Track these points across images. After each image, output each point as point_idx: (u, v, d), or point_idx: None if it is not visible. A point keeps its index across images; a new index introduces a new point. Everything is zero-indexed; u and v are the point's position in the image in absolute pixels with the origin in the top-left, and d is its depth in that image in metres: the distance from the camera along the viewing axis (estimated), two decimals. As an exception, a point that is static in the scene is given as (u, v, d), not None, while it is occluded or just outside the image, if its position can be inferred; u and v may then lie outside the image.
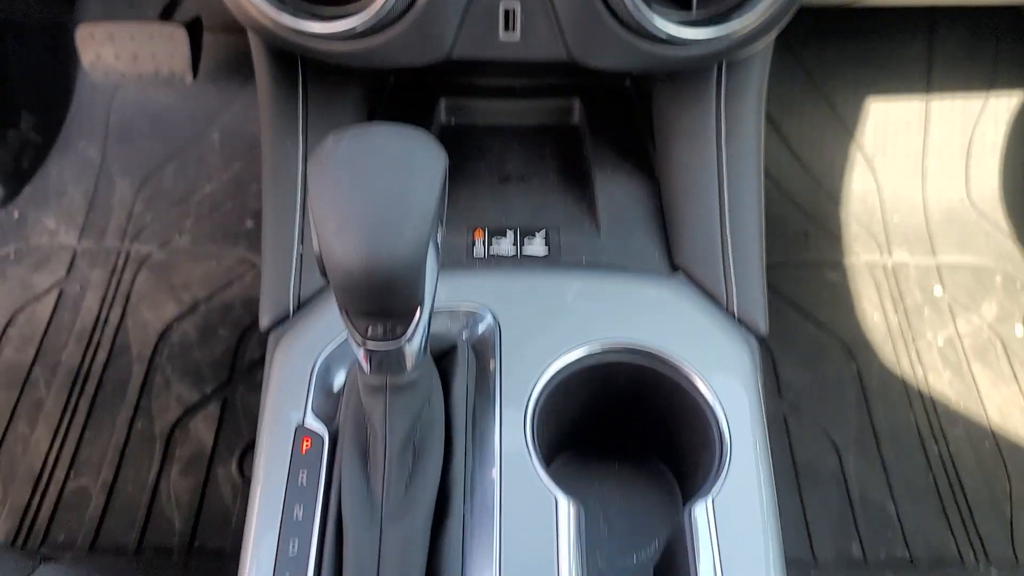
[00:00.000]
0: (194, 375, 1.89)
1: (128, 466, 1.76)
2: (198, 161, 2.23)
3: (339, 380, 1.02)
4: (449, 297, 1.06)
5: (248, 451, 1.78)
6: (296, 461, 0.94)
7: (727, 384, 1.01)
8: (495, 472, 0.93)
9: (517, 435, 0.96)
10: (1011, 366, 1.93)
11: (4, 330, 1.96)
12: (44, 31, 2.24)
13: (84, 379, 1.88)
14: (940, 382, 1.91)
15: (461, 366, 0.98)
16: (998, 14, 2.18)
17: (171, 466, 1.76)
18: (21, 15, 2.19)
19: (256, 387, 1.87)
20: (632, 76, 1.54)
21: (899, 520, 1.72)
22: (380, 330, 0.74)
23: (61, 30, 2.22)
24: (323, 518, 0.90)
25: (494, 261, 1.18)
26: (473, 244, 1.21)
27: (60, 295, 2.02)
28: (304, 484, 0.92)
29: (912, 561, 1.66)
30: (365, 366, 0.81)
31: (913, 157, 2.21)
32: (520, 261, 1.18)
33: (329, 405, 1.00)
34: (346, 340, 1.03)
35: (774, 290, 2.03)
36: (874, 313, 2.02)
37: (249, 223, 2.14)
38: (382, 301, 0.70)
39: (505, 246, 1.20)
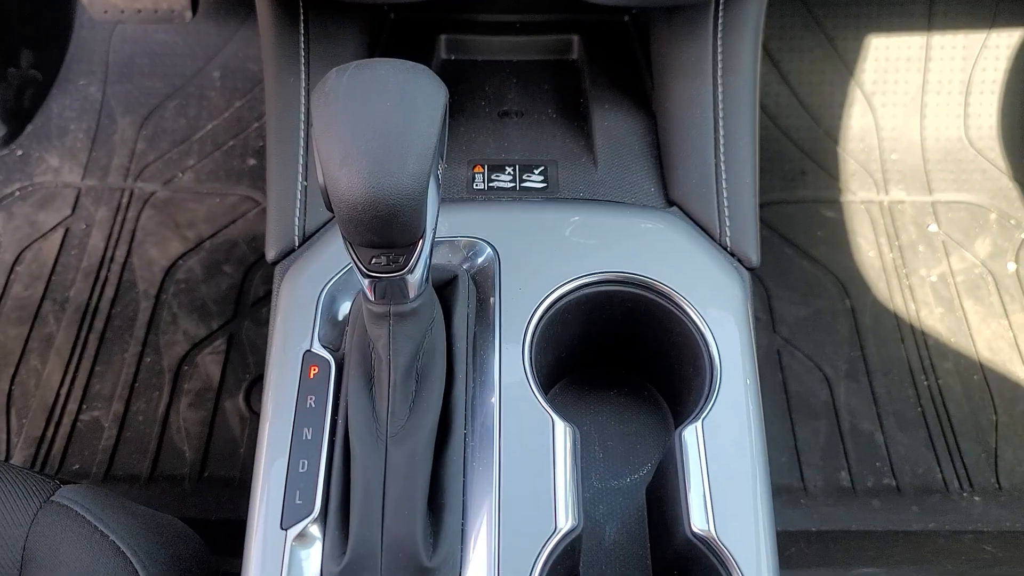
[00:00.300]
0: (200, 311, 1.93)
1: (138, 399, 1.81)
2: (199, 99, 2.23)
3: (344, 309, 1.05)
4: (450, 229, 1.09)
5: (255, 385, 1.83)
6: (304, 386, 0.98)
7: (718, 313, 1.04)
8: (494, 398, 0.97)
9: (516, 362, 1.00)
10: (1001, 302, 1.97)
11: (12, 267, 1.99)
12: (41, -33, 2.23)
13: (93, 315, 1.92)
14: (932, 317, 1.95)
15: (462, 295, 1.01)
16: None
17: (180, 399, 1.81)
18: (18, -49, 2.17)
19: (261, 323, 1.91)
20: (631, 12, 1.54)
21: (887, 450, 1.77)
22: (384, 260, 0.77)
23: (58, -34, 2.22)
24: (331, 439, 0.94)
25: (494, 194, 1.21)
26: (473, 179, 1.23)
27: (66, 233, 2.05)
28: (312, 407, 0.96)
29: (899, 489, 1.72)
30: (370, 295, 0.84)
31: (912, 94, 2.21)
32: (519, 195, 1.21)
33: (335, 334, 1.03)
34: (350, 271, 1.06)
35: (771, 227, 2.06)
36: (869, 250, 2.05)
37: (251, 161, 2.15)
38: (385, 232, 0.73)
39: (504, 181, 1.23)
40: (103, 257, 2.00)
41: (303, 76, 1.24)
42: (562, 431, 0.95)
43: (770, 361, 1.87)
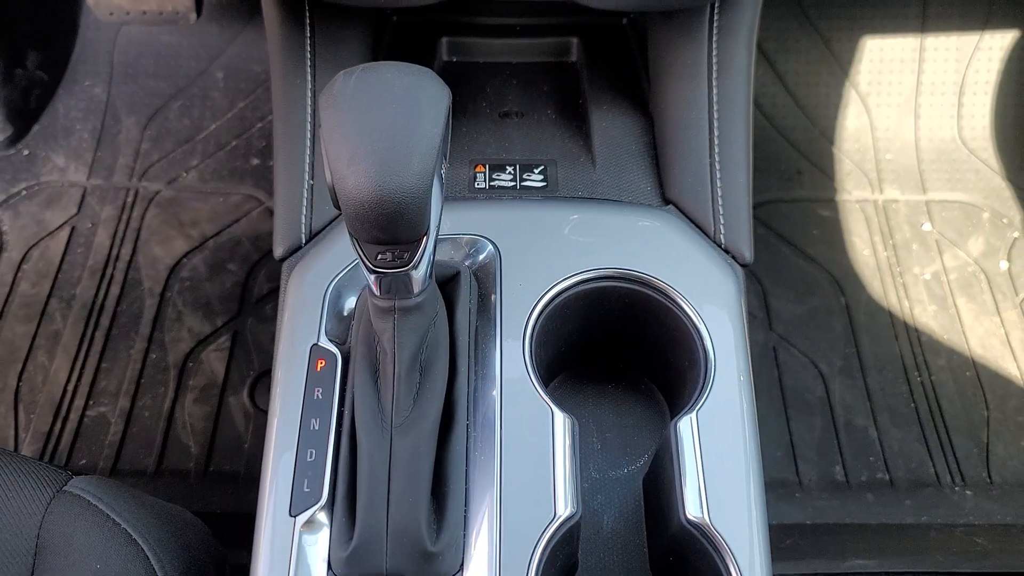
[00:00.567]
0: (205, 308, 1.95)
1: (144, 395, 1.83)
2: (203, 99, 2.26)
3: (349, 304, 1.08)
4: (452, 227, 1.12)
5: (259, 381, 1.85)
6: (312, 379, 1.00)
7: (712, 308, 1.07)
8: (496, 391, 1.00)
9: (516, 356, 1.03)
10: (994, 299, 2.00)
11: (19, 265, 2.01)
12: (47, -31, 2.25)
13: (99, 312, 1.95)
14: (925, 315, 1.98)
15: (464, 291, 1.04)
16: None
17: (185, 395, 1.83)
18: (25, -47, 2.20)
19: (265, 320, 1.94)
20: (629, 15, 1.57)
21: (881, 445, 1.80)
22: (389, 256, 0.80)
23: (64, -32, 2.24)
24: (338, 430, 0.97)
25: (495, 193, 1.23)
26: (475, 177, 1.26)
27: (72, 232, 2.07)
28: (320, 399, 0.99)
29: (892, 483, 1.75)
30: (375, 290, 0.87)
31: (907, 95, 2.24)
32: (519, 193, 1.24)
33: (341, 328, 1.06)
34: (355, 267, 1.09)
35: (767, 225, 2.09)
36: (864, 248, 2.08)
37: (254, 160, 2.18)
38: (391, 229, 0.76)
39: (505, 180, 1.26)
40: (109, 255, 2.03)
41: (309, 78, 1.27)
42: (561, 421, 0.98)
43: (766, 358, 1.90)
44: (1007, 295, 2.00)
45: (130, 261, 2.02)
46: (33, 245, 2.05)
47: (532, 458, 0.96)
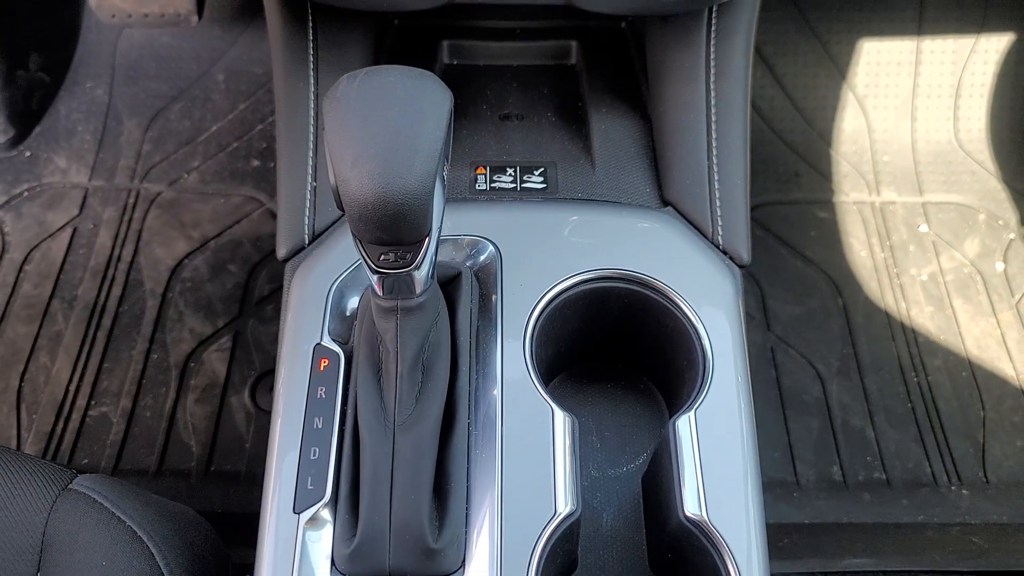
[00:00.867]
0: (206, 309, 1.96)
1: (146, 395, 1.84)
2: (204, 101, 2.27)
3: (352, 304, 1.09)
4: (453, 228, 1.13)
5: (260, 381, 1.86)
6: (315, 378, 1.02)
7: (711, 308, 1.08)
8: (496, 390, 1.01)
9: (517, 356, 1.04)
10: (990, 300, 2.01)
11: (21, 266, 2.02)
12: (50, -29, 2.26)
13: (100, 313, 1.95)
14: (922, 315, 1.99)
15: (465, 292, 1.05)
16: (990, -45, 2.20)
17: (187, 395, 1.84)
18: (27, -44, 2.21)
19: (266, 321, 1.95)
20: (627, 19, 1.58)
21: (878, 445, 1.81)
22: (392, 257, 0.81)
23: (67, -30, 2.25)
24: (341, 428, 0.99)
25: (495, 195, 1.25)
26: (476, 179, 1.27)
27: (74, 233, 2.08)
28: (323, 398, 1.00)
29: (889, 483, 1.76)
30: (378, 290, 0.88)
31: (903, 98, 2.25)
32: (520, 195, 1.25)
33: (343, 328, 1.07)
34: (358, 267, 1.10)
35: (765, 227, 2.10)
36: (861, 250, 2.09)
37: (255, 162, 2.19)
38: (394, 230, 0.77)
39: (506, 182, 1.27)
40: (110, 256, 2.04)
41: (312, 81, 1.28)
42: (561, 419, 0.99)
43: (764, 358, 1.91)
44: (1003, 296, 2.02)
45: (131, 262, 2.03)
46: (35, 246, 2.06)
47: (532, 456, 0.97)
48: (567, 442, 0.98)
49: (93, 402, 1.83)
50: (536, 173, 1.28)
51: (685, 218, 1.23)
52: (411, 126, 0.74)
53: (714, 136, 1.25)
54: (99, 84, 2.29)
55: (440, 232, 0.84)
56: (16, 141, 2.20)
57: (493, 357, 1.03)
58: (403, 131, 0.74)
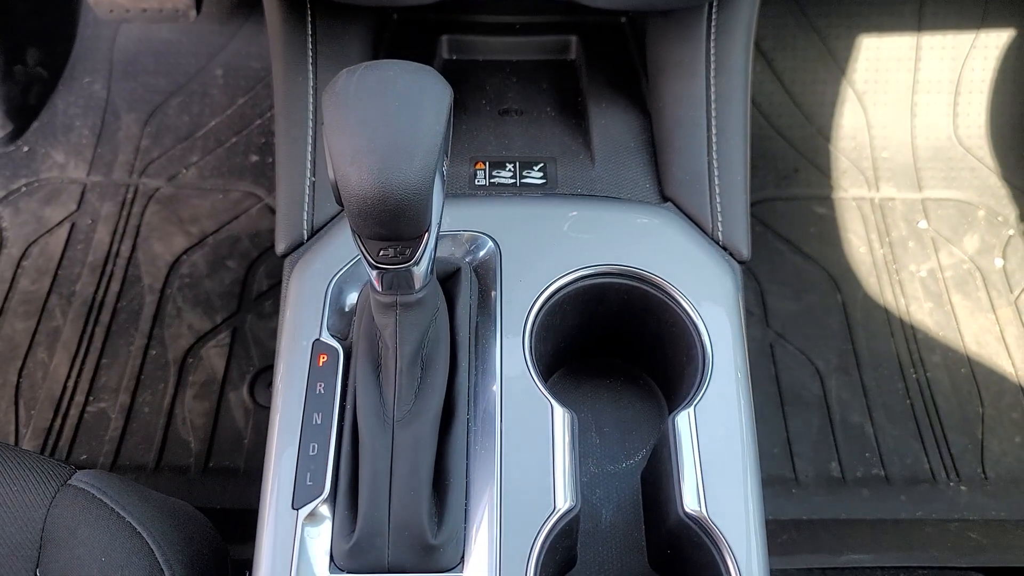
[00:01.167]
0: (205, 305, 1.96)
1: (144, 391, 1.84)
2: (202, 96, 2.27)
3: (351, 300, 1.09)
4: (452, 223, 1.13)
5: (259, 377, 1.86)
6: (314, 373, 1.01)
7: (710, 304, 1.08)
8: (496, 386, 1.01)
9: (516, 351, 1.04)
10: (989, 297, 2.01)
11: (19, 262, 2.02)
12: (47, -34, 2.26)
13: (99, 309, 1.95)
14: (921, 312, 1.99)
15: (464, 287, 1.05)
16: (990, -49, 2.20)
17: (185, 391, 1.84)
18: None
19: (265, 316, 1.95)
20: (627, 14, 1.58)
21: (876, 441, 1.81)
22: (391, 252, 0.81)
23: (64, -35, 2.25)
24: (340, 424, 0.98)
25: (495, 190, 1.24)
26: (475, 174, 1.27)
27: (72, 228, 2.08)
28: (322, 393, 1.00)
29: (887, 479, 1.76)
30: (377, 286, 0.88)
31: (903, 93, 2.25)
32: (519, 190, 1.25)
33: (342, 323, 1.07)
34: (357, 263, 1.10)
35: (764, 223, 2.10)
36: (860, 246, 2.09)
37: (253, 157, 2.19)
38: (393, 226, 0.76)
39: (505, 177, 1.27)
40: (109, 252, 2.04)
41: (311, 75, 1.28)
42: (560, 415, 0.99)
43: (763, 355, 1.91)
44: (1002, 292, 2.02)
45: (130, 258, 2.03)
46: (33, 241, 2.05)
47: (532, 452, 0.97)
48: (566, 438, 0.98)
49: (91, 398, 1.83)
50: (535, 168, 1.28)
51: (685, 214, 1.23)
52: (410, 121, 0.74)
53: (714, 132, 1.25)
54: (97, 79, 2.28)
55: (439, 228, 0.84)
56: (14, 136, 2.20)
57: (492, 353, 1.03)
58: (402, 126, 0.73)
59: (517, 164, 1.28)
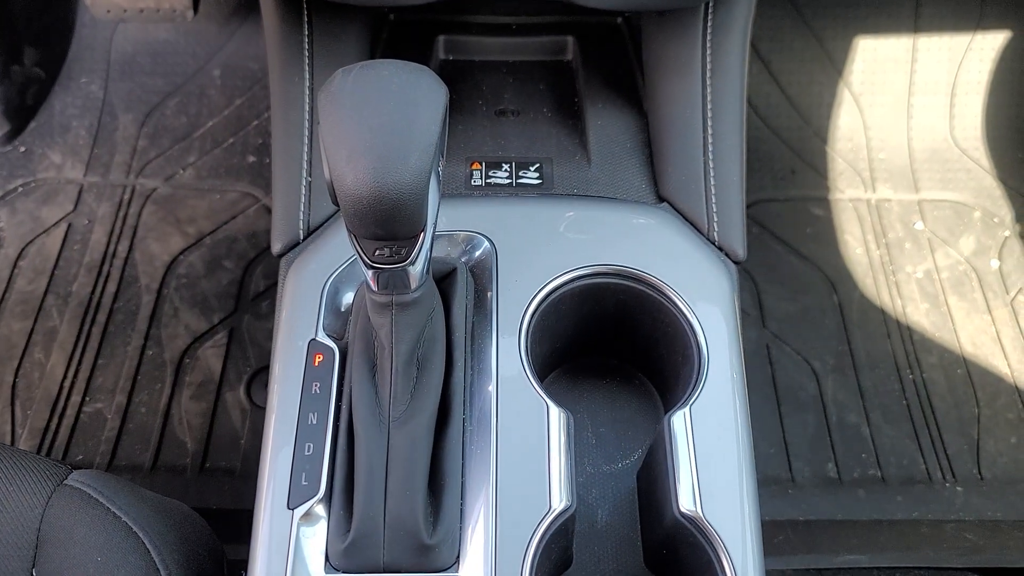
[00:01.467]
0: (202, 305, 1.96)
1: (141, 391, 1.84)
2: (199, 97, 2.27)
3: (347, 300, 1.09)
4: (449, 223, 1.13)
5: (255, 377, 1.86)
6: (310, 373, 1.01)
7: (706, 305, 1.08)
8: (492, 386, 1.01)
9: (512, 351, 1.04)
10: (985, 298, 2.02)
11: (16, 262, 2.02)
12: (44, -34, 2.26)
13: (95, 309, 1.95)
14: (917, 313, 2.00)
15: (460, 287, 1.05)
16: (986, -47, 2.21)
17: (182, 391, 1.84)
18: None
19: (261, 317, 1.95)
20: (624, 14, 1.58)
21: (873, 442, 1.81)
22: (387, 252, 0.81)
23: (61, -35, 2.25)
24: (335, 424, 0.98)
25: (491, 190, 1.25)
26: (471, 175, 1.27)
27: (69, 228, 2.08)
28: (318, 393, 1.00)
29: (884, 479, 1.76)
30: (373, 285, 0.88)
31: (899, 95, 2.25)
32: (515, 191, 1.25)
33: (338, 323, 1.07)
34: (353, 263, 1.10)
35: (761, 224, 2.10)
36: (857, 247, 2.10)
37: (251, 158, 2.19)
38: (389, 226, 0.77)
39: (501, 177, 1.27)
40: (105, 252, 2.04)
41: (307, 75, 1.28)
42: (556, 415, 0.99)
43: (759, 355, 1.91)
44: (998, 293, 2.02)
45: (127, 258, 2.03)
46: (30, 242, 2.05)
47: (527, 452, 0.97)
48: (562, 438, 0.98)
49: (88, 398, 1.83)
50: (532, 169, 1.28)
51: (681, 214, 1.23)
52: (406, 121, 0.74)
53: (710, 132, 1.25)
54: (94, 79, 2.28)
55: (435, 227, 0.84)
56: (11, 136, 2.19)
57: (488, 353, 1.03)
58: (398, 126, 0.73)
59: (513, 164, 1.28)
